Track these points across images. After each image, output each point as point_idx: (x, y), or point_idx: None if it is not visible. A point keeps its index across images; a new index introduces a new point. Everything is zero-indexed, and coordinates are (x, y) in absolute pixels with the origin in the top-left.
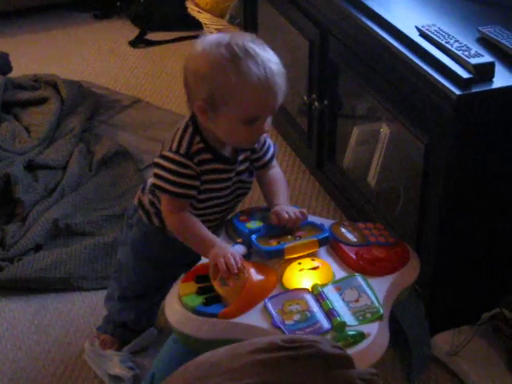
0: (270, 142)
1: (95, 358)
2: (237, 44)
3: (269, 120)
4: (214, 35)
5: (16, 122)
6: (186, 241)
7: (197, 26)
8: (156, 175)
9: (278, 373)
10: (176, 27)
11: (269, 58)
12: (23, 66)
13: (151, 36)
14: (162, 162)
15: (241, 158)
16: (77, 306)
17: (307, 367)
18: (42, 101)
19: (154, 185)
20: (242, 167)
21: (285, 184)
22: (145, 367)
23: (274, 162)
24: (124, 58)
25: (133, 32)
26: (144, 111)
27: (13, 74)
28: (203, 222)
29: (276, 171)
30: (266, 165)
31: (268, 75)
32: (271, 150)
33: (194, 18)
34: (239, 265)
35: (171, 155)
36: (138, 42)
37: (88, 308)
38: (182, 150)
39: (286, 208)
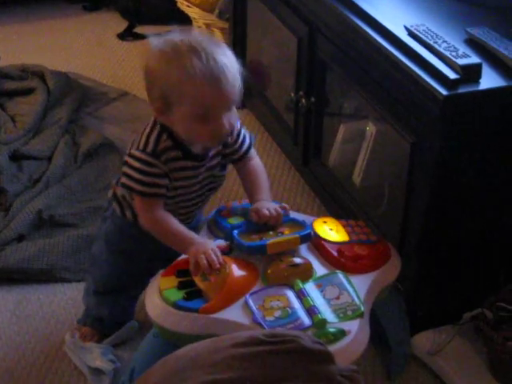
0: (244, 132)
1: (76, 350)
2: (183, 40)
3: (229, 117)
4: (171, 34)
5: (2, 112)
6: (162, 239)
7: (186, 20)
8: (124, 174)
9: (259, 367)
10: (165, 21)
11: (217, 52)
12: (11, 56)
13: (140, 29)
14: (129, 160)
15: (212, 153)
16: (58, 297)
17: (288, 362)
18: (29, 91)
19: (122, 184)
20: (213, 162)
21: (265, 177)
22: (125, 360)
23: (253, 153)
24: (112, 50)
25: (121, 25)
26: (131, 104)
27: (0, 64)
28: (174, 215)
29: (255, 163)
30: (243, 157)
31: (213, 69)
32: (247, 141)
33: (183, 12)
34: (221, 260)
35: (138, 154)
36: (126, 35)
37: (70, 300)
38: (149, 149)
39: (267, 204)
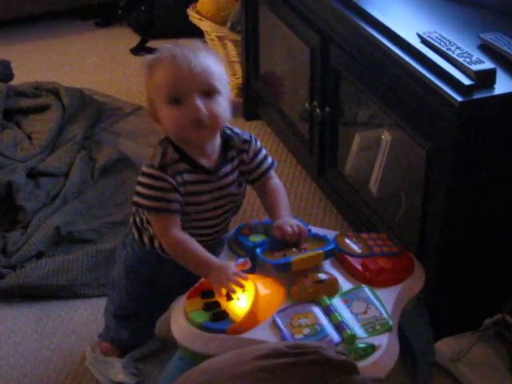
0: (265, 153)
1: (97, 365)
2: (164, 49)
3: (208, 102)
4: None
5: (18, 130)
6: (182, 262)
7: (198, 33)
8: (134, 192)
9: (282, 378)
10: (177, 35)
11: (189, 49)
12: (25, 74)
13: (152, 44)
14: (138, 177)
15: (226, 169)
16: (79, 313)
17: (311, 373)
18: (44, 108)
19: (132, 202)
20: (228, 179)
21: (285, 194)
22: (148, 374)
23: (272, 173)
24: (125, 65)
25: (134, 40)
26: (145, 118)
27: (14, 82)
28: (196, 240)
29: (275, 182)
30: (263, 176)
31: (178, 55)
32: (267, 162)
33: (195, 25)
34: (241, 286)
35: (145, 169)
36: (139, 50)
37: (90, 315)
38: (155, 163)
39: (290, 221)
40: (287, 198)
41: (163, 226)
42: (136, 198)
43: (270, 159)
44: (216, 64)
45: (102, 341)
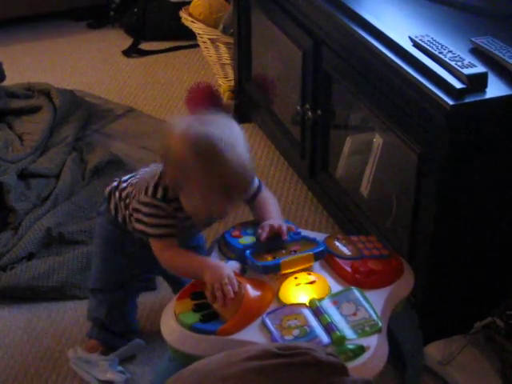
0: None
1: (82, 365)
2: (208, 147)
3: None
4: (197, 121)
5: (9, 131)
6: (181, 274)
7: (190, 35)
8: (138, 221)
9: (273, 380)
10: (169, 37)
11: (236, 164)
12: (17, 75)
13: (144, 46)
14: (140, 207)
15: None
16: (69, 314)
17: (301, 374)
18: (35, 109)
19: (140, 231)
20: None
21: (275, 205)
22: (138, 375)
23: (260, 190)
24: (117, 67)
25: (126, 41)
26: (137, 120)
27: (6, 83)
28: None
29: (262, 196)
30: (253, 198)
31: (230, 186)
32: (254, 186)
33: (187, 27)
34: (236, 289)
35: (149, 200)
36: (131, 52)
37: (81, 317)
38: (159, 195)
39: (272, 220)
40: (277, 206)
41: (165, 248)
42: (141, 227)
43: (256, 182)
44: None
45: (89, 339)
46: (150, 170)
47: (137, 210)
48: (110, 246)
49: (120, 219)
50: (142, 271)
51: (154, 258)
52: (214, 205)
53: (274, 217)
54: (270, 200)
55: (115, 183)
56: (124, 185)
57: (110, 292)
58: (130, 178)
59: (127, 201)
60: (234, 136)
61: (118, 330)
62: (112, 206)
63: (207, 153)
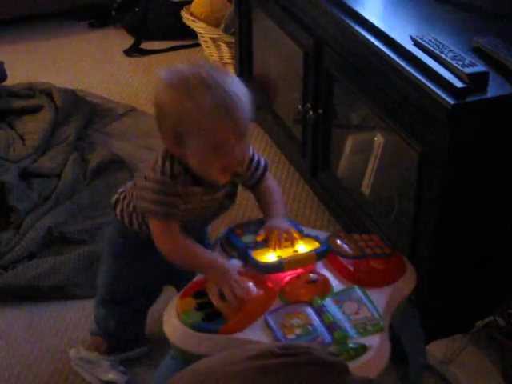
0: (257, 158)
1: (84, 365)
2: (193, 73)
3: (242, 146)
4: (179, 67)
5: (11, 130)
6: (183, 266)
7: (192, 35)
8: (142, 198)
9: (274, 379)
10: (171, 36)
11: (228, 83)
12: (18, 74)
13: (146, 45)
14: (145, 183)
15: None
16: (70, 313)
17: (303, 374)
18: (37, 109)
19: (141, 208)
20: (224, 192)
21: (280, 195)
22: (140, 375)
23: (266, 176)
24: (119, 66)
25: (128, 41)
26: (138, 120)
27: (8, 82)
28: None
29: (269, 183)
30: (258, 182)
31: (226, 101)
32: (260, 166)
33: (188, 27)
34: (245, 292)
35: (155, 176)
36: (132, 51)
37: (82, 316)
38: (166, 171)
39: (278, 223)
40: (282, 197)
41: (166, 230)
42: (144, 204)
43: (262, 162)
44: (250, 100)
45: (93, 337)
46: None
47: (142, 188)
48: (120, 259)
49: (127, 222)
50: (153, 283)
51: (164, 268)
52: (219, 139)
53: (277, 212)
54: (274, 192)
55: (121, 189)
56: (129, 184)
57: (120, 305)
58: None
59: (131, 192)
60: (223, 69)
61: (124, 338)
62: (118, 211)
63: (198, 80)
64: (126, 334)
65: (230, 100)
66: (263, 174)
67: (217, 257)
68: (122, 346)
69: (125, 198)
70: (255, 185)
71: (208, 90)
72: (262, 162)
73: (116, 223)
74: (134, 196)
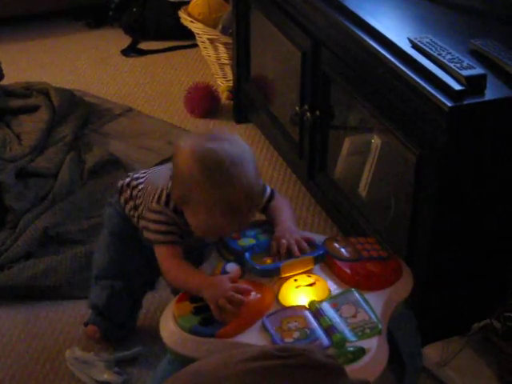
0: (263, 187)
1: (79, 366)
2: (218, 166)
3: (238, 228)
4: (208, 139)
5: (7, 130)
6: (180, 287)
7: (189, 35)
8: (145, 229)
9: (271, 381)
10: (168, 37)
11: (246, 184)
12: (15, 74)
13: (143, 45)
14: (150, 215)
15: None
16: (67, 314)
17: (299, 376)
18: (34, 109)
19: (151, 240)
20: None
21: (288, 205)
22: (136, 378)
23: (275, 197)
24: (116, 67)
25: (125, 41)
26: (135, 120)
27: (4, 82)
28: None
29: (276, 203)
30: (265, 207)
31: (236, 205)
32: (266, 194)
33: (186, 27)
34: (242, 300)
35: (159, 208)
36: (130, 51)
37: (78, 316)
38: (170, 206)
39: (288, 233)
40: (291, 212)
41: (168, 256)
42: (149, 235)
43: (268, 190)
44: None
45: (85, 327)
46: (162, 173)
47: (145, 219)
48: (118, 239)
49: (127, 212)
50: (147, 266)
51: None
52: (218, 223)
53: (286, 218)
54: (283, 207)
55: (128, 179)
56: (135, 183)
57: (112, 280)
58: (141, 175)
59: (137, 201)
60: (242, 155)
61: (115, 320)
62: (122, 200)
63: (213, 168)
64: (116, 314)
65: (242, 203)
66: (269, 199)
67: (204, 275)
68: (113, 333)
69: (131, 197)
70: (262, 209)
71: (226, 189)
72: (268, 191)
73: (118, 207)
74: (140, 212)
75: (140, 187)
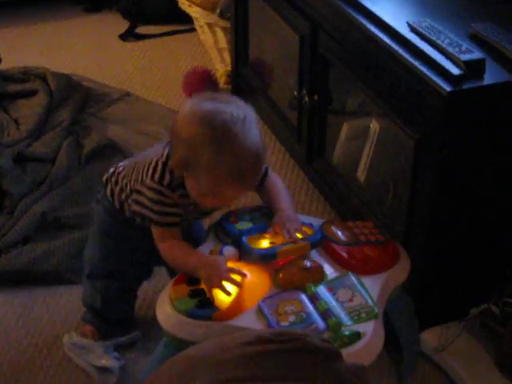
0: None
1: (77, 351)
2: (221, 124)
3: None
4: (208, 99)
5: (5, 114)
6: (177, 268)
7: (187, 19)
8: (139, 203)
9: (266, 366)
10: (166, 21)
11: (250, 145)
12: (12, 58)
13: (141, 29)
14: (145, 190)
15: None
16: (65, 298)
17: (295, 360)
18: (32, 93)
19: (136, 213)
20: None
21: (283, 186)
22: (133, 362)
23: (268, 176)
24: (114, 51)
25: (123, 25)
26: (133, 105)
27: (2, 66)
28: None
29: (272, 179)
30: (261, 183)
31: (242, 168)
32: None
33: (184, 11)
34: (235, 284)
35: (155, 185)
36: (127, 36)
37: (76, 301)
38: (165, 181)
39: (288, 221)
40: (287, 191)
41: (167, 237)
42: (144, 211)
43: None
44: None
45: (84, 324)
46: (152, 152)
47: (139, 192)
48: (108, 237)
49: (117, 205)
50: (141, 262)
51: (152, 248)
52: (222, 189)
53: (286, 204)
54: (279, 188)
55: (112, 169)
56: (120, 169)
57: (106, 280)
58: (126, 162)
59: (124, 181)
60: (249, 118)
61: (112, 318)
62: (108, 192)
63: (223, 130)
64: (113, 313)
65: (247, 168)
66: (264, 176)
67: (202, 254)
68: (111, 331)
69: (116, 183)
70: (257, 187)
71: (232, 148)
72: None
73: (105, 202)
74: (129, 189)
75: (124, 170)
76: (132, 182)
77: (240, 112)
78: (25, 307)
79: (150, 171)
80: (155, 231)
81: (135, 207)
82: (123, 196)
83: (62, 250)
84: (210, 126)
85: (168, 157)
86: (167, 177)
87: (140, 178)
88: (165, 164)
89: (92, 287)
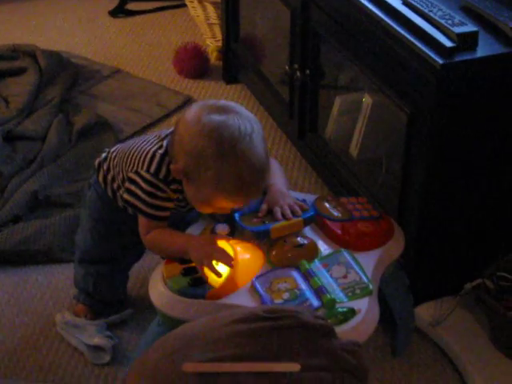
0: None
1: (69, 330)
2: (229, 140)
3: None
4: (216, 109)
5: None
6: (163, 253)
7: None
8: (131, 193)
9: (259, 343)
10: None
11: (256, 161)
12: (1, 36)
13: (131, 6)
14: (138, 180)
15: None
16: (56, 277)
17: (288, 337)
18: (21, 71)
19: (128, 202)
20: None
21: (278, 165)
22: (126, 340)
23: None
24: (104, 28)
25: (113, 2)
26: (124, 82)
27: None
28: None
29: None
30: None
31: (246, 185)
32: None
33: None
34: (226, 262)
35: (149, 177)
36: (117, 12)
37: (68, 280)
38: (161, 175)
39: (281, 198)
40: (282, 172)
41: (151, 228)
42: (136, 203)
43: None
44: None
45: (76, 303)
46: (148, 140)
47: (133, 182)
48: (100, 223)
49: (110, 194)
50: (133, 245)
51: None
52: (222, 202)
53: (278, 180)
54: (273, 167)
55: (104, 154)
56: (113, 155)
57: (97, 265)
58: (119, 148)
59: (117, 169)
60: (256, 131)
61: (105, 300)
62: (101, 178)
63: (230, 146)
64: (105, 295)
65: (252, 182)
66: None
67: (190, 235)
68: (104, 310)
69: (108, 170)
70: None
71: (237, 165)
72: None
73: (97, 187)
74: (121, 178)
75: (117, 157)
76: (125, 171)
77: (248, 125)
78: (16, 286)
79: (147, 162)
80: (142, 222)
81: (127, 196)
82: (115, 186)
83: (53, 229)
84: (217, 141)
85: (167, 149)
86: (163, 170)
87: (135, 168)
88: (163, 156)
89: (84, 271)
